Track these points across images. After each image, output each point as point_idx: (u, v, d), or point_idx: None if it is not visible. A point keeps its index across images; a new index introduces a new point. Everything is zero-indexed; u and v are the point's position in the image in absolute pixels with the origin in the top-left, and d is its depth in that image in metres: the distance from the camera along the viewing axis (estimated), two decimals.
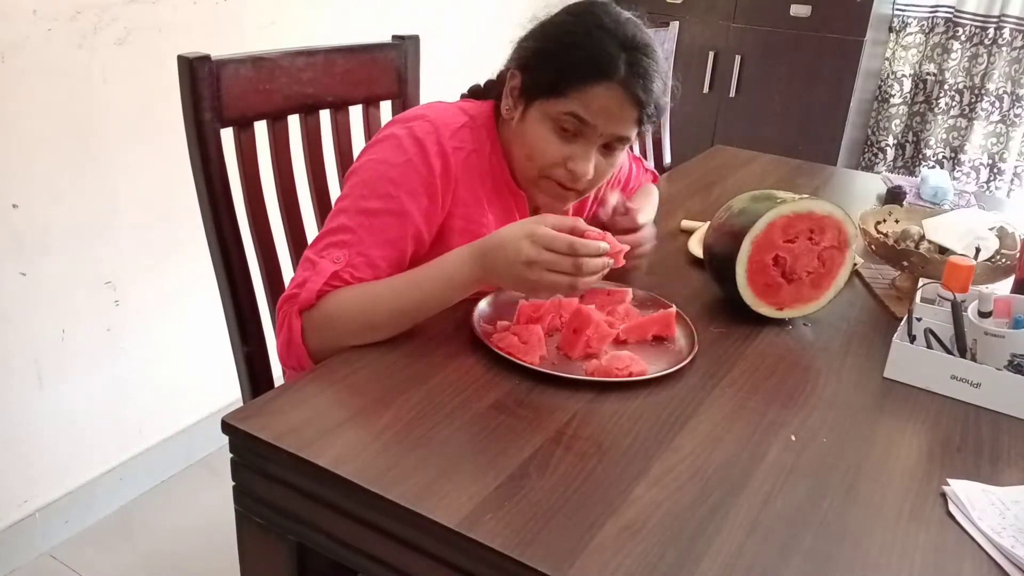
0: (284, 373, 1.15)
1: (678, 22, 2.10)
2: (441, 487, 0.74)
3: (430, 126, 1.05)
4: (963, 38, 3.01)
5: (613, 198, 1.17)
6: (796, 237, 1.09)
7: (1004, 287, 1.17)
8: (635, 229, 1.14)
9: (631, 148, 1.90)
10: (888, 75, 3.15)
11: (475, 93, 1.20)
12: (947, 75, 3.05)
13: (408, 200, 1.02)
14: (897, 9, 3.07)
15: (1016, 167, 3.05)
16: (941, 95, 3.08)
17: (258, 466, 0.81)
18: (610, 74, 1.00)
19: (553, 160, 1.05)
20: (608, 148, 1.07)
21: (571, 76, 1.01)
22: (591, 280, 0.91)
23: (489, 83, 1.18)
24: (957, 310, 1.01)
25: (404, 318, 0.97)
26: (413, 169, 1.03)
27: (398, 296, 0.96)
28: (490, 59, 1.22)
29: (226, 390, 1.99)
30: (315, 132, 1.27)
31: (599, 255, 0.90)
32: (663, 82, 1.05)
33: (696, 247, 1.34)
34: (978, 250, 1.16)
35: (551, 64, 1.03)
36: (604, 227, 1.04)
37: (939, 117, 3.10)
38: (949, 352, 1.00)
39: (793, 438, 0.87)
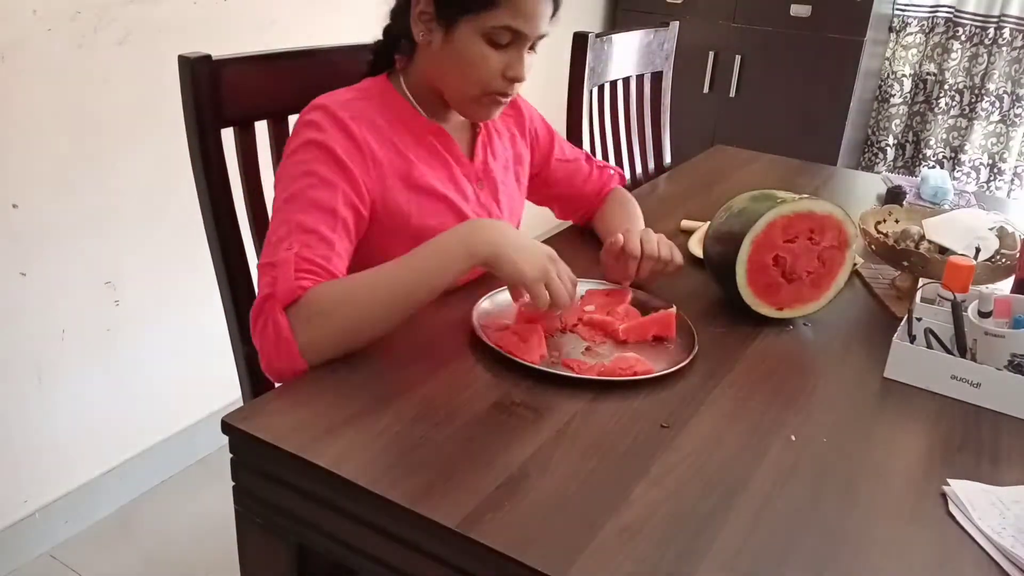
0: None
1: (678, 22, 2.10)
2: (441, 487, 0.74)
3: (320, 110, 1.05)
4: (963, 38, 3.01)
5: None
6: (796, 237, 1.09)
7: (1004, 287, 1.17)
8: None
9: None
10: (888, 75, 3.15)
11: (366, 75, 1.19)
12: (947, 75, 3.05)
13: (327, 171, 1.01)
14: (897, 9, 3.07)
15: (1016, 167, 3.05)
16: (941, 95, 3.08)
17: (258, 466, 0.81)
18: None
19: (494, 70, 1.06)
20: (531, 48, 1.09)
21: None
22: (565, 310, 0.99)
23: (375, 52, 1.17)
24: (957, 310, 1.01)
25: (397, 302, 0.93)
26: (320, 148, 1.02)
27: (389, 278, 0.94)
28: None
29: (226, 390, 1.98)
30: None
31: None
32: None
33: (696, 247, 1.34)
34: (978, 250, 1.16)
35: None
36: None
37: (939, 117, 3.10)
38: (949, 352, 1.00)
39: (793, 438, 0.87)
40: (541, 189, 1.39)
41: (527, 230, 1.32)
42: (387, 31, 1.16)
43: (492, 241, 0.95)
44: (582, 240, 1.38)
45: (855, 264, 1.28)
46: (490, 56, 1.05)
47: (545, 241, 1.37)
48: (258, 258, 1.19)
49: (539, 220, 1.33)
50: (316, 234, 0.97)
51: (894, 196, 1.70)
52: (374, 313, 0.93)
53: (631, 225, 1.29)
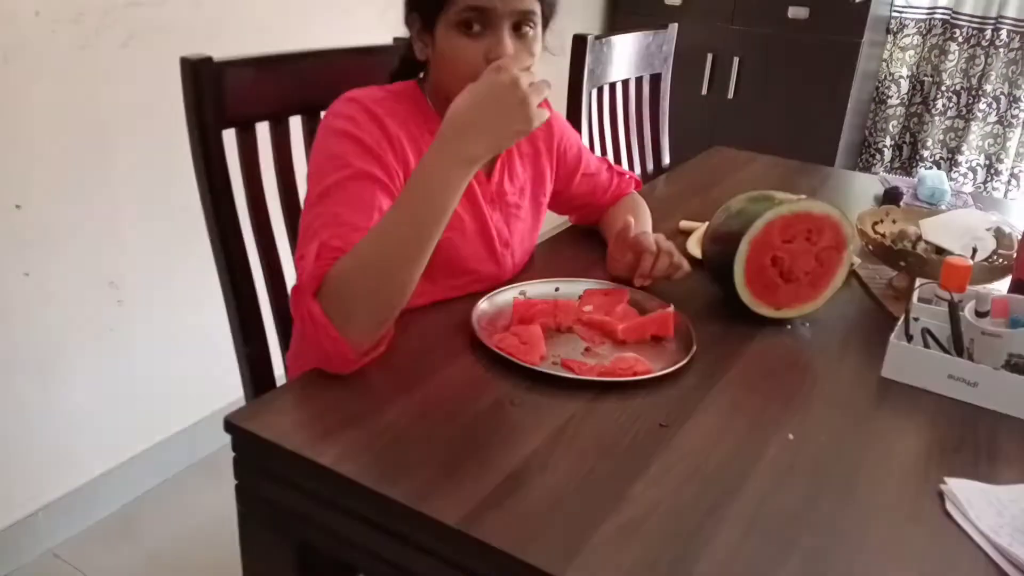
0: (286, 371, 1.16)
1: (677, 24, 2.10)
2: (442, 486, 0.74)
3: (355, 103, 1.05)
4: (960, 39, 3.02)
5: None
6: (794, 238, 1.10)
7: (1001, 287, 1.18)
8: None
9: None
10: (885, 76, 3.16)
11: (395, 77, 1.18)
12: (944, 76, 3.06)
13: (362, 163, 1.00)
14: (894, 11, 3.08)
15: (1013, 168, 3.06)
16: (938, 96, 3.09)
17: (260, 465, 0.82)
18: None
19: (475, 59, 1.03)
20: (518, 29, 1.05)
21: None
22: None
23: (403, 62, 1.17)
24: (954, 310, 1.01)
25: (409, 247, 0.89)
26: (354, 140, 1.01)
27: (391, 226, 0.90)
28: None
29: (228, 389, 1.98)
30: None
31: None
32: None
33: (695, 247, 1.35)
34: (975, 250, 1.17)
35: None
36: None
37: (936, 118, 3.11)
38: (946, 352, 1.01)
39: (791, 437, 0.87)
40: (565, 202, 1.39)
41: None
42: (403, 60, 1.16)
43: (478, 141, 0.91)
44: (582, 240, 1.39)
45: (852, 264, 1.29)
46: (466, 45, 1.03)
47: (545, 241, 1.38)
48: (260, 260, 1.20)
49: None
50: (351, 225, 0.94)
51: (891, 197, 1.71)
52: (394, 257, 0.89)
53: (638, 226, 1.27)
